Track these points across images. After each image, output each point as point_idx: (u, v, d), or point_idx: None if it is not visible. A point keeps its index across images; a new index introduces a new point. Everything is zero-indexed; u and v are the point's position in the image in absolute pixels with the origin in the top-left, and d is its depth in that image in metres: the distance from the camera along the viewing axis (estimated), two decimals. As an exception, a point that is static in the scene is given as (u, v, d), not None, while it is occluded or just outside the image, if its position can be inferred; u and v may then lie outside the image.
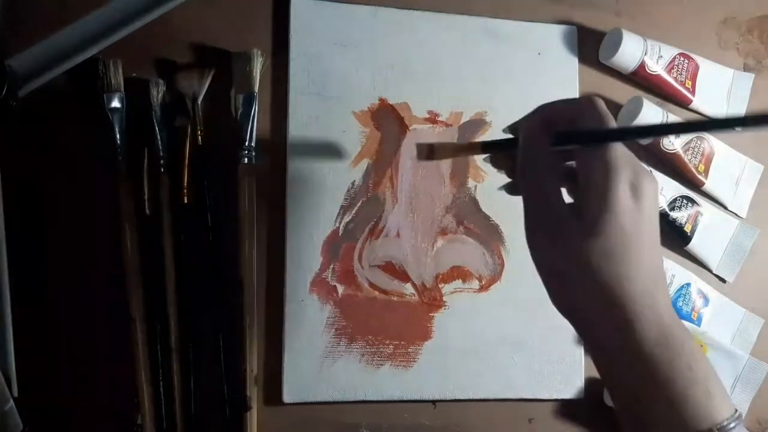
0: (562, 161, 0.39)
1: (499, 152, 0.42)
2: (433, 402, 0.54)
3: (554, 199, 0.36)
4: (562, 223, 0.35)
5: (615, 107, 0.59)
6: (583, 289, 0.34)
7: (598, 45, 0.59)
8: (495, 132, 0.55)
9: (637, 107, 0.56)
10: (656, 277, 0.34)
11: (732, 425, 0.32)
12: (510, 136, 0.41)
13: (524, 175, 0.37)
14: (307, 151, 0.52)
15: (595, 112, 0.36)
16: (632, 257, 0.33)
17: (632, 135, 0.38)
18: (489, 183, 0.55)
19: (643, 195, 0.34)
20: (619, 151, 0.35)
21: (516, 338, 0.55)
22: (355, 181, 0.53)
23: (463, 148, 0.50)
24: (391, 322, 0.53)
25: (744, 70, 0.62)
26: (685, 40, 0.60)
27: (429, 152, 0.43)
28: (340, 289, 0.52)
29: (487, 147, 0.42)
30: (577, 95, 0.57)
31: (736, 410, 0.33)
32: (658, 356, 0.33)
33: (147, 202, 0.48)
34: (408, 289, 0.53)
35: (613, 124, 0.36)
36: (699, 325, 0.58)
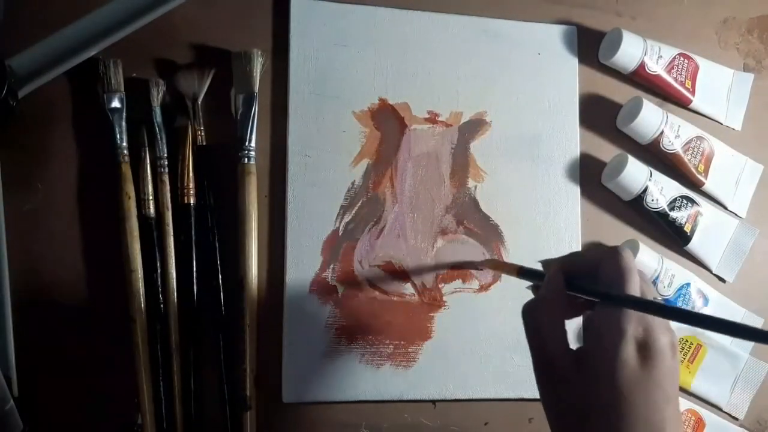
0: (579, 308, 0.38)
1: (531, 281, 0.44)
2: (433, 402, 0.54)
3: (553, 346, 0.35)
4: (561, 371, 0.35)
5: (615, 107, 0.59)
6: None
7: (597, 45, 0.59)
8: (495, 132, 0.55)
9: (636, 107, 0.56)
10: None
11: None
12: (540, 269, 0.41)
13: (533, 313, 0.37)
14: (307, 151, 0.52)
15: (617, 267, 0.35)
16: (628, 418, 0.32)
17: (642, 308, 0.34)
18: (489, 183, 0.55)
19: (654, 355, 0.33)
20: (629, 312, 0.33)
21: (516, 338, 0.55)
22: (355, 181, 0.53)
23: (501, 266, 0.53)
24: (391, 322, 0.53)
25: (744, 70, 0.62)
26: (685, 40, 0.60)
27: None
28: (340, 289, 0.52)
29: (521, 273, 0.45)
30: (576, 95, 0.57)
31: None
32: None
33: (147, 202, 0.48)
34: (408, 289, 0.54)
35: (633, 280, 0.34)
36: (699, 325, 0.58)
